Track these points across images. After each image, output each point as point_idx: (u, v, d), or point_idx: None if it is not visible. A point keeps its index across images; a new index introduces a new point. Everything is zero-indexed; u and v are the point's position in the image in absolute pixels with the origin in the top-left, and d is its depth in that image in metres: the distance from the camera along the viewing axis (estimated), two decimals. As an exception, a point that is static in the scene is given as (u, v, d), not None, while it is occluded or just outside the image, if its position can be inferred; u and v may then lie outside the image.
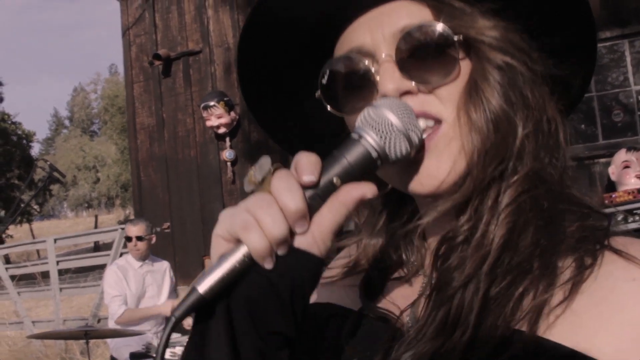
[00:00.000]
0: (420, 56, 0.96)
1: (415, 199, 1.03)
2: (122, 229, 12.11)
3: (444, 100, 0.96)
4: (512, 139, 0.94)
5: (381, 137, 0.88)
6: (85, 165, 60.96)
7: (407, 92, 0.95)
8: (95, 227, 38.90)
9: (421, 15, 0.98)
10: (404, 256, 1.07)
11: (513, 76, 0.96)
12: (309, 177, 0.83)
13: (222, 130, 9.37)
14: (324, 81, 1.01)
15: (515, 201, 0.92)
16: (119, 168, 45.10)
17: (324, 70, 1.01)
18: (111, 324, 7.09)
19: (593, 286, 0.85)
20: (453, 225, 0.93)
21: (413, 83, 0.95)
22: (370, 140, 0.87)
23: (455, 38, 0.96)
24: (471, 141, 0.94)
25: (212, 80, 9.81)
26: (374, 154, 0.87)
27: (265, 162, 0.89)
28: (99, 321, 11.26)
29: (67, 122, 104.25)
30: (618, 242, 0.89)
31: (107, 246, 29.63)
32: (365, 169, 0.87)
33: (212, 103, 9.28)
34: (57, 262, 13.45)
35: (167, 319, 0.84)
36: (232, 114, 9.38)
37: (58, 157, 70.65)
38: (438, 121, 0.94)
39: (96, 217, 45.05)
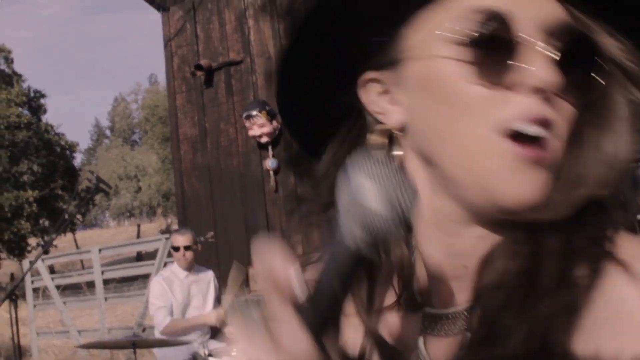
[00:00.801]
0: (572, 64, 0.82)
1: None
2: (166, 238, 12.20)
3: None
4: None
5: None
6: (126, 175, 61.54)
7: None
8: (138, 236, 39.26)
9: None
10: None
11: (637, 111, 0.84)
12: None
13: (264, 139, 9.40)
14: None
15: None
16: (160, 177, 45.42)
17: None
18: (157, 335, 7.14)
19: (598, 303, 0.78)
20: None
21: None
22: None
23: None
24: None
25: (253, 89, 9.85)
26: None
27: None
28: (144, 330, 11.34)
29: (108, 132, 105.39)
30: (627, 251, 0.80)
31: (150, 255, 29.81)
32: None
33: (254, 112, 9.32)
34: (102, 272, 13.61)
35: None
36: (274, 122, 9.41)
37: (100, 167, 71.41)
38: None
39: (138, 226, 45.47)
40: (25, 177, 35.54)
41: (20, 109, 35.81)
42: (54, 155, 36.02)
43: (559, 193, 0.82)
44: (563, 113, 0.81)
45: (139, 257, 32.07)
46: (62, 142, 37.28)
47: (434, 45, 0.83)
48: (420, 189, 0.74)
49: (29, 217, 33.84)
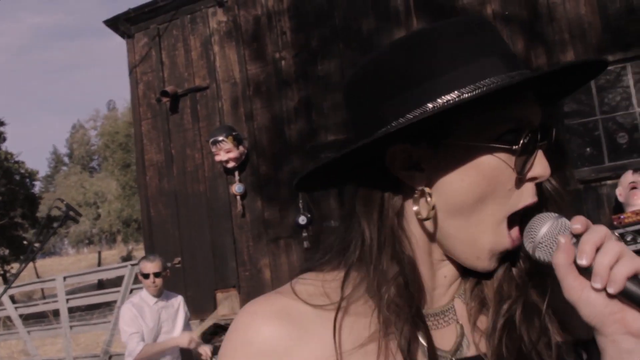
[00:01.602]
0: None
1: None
2: (132, 265, 12.16)
3: None
4: None
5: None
6: (85, 202, 60.95)
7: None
8: (99, 263, 38.87)
9: None
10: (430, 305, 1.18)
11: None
12: None
13: (231, 164, 9.44)
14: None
15: None
16: (121, 204, 45.12)
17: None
18: (128, 361, 7.10)
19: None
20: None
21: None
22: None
23: None
24: None
25: (219, 115, 9.90)
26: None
27: None
28: (110, 358, 11.26)
29: (66, 159, 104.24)
30: None
31: (111, 282, 29.54)
32: None
33: (220, 138, 9.36)
34: (67, 300, 13.49)
35: None
36: (241, 148, 9.45)
37: (58, 194, 70.61)
38: None
39: (99, 253, 44.99)
40: (-16, 206, 35.10)
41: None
42: (13, 184, 35.55)
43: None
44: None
45: (101, 284, 31.77)
46: (22, 170, 36.82)
47: (482, 139, 1.07)
48: (420, 235, 1.13)
49: (-12, 246, 33.40)
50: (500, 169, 1.07)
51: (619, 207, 7.43)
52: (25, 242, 36.51)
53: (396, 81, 1.08)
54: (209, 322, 7.64)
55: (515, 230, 1.10)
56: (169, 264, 7.97)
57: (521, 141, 1.06)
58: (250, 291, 9.52)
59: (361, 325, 1.10)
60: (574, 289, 1.01)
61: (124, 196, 43.75)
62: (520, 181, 1.08)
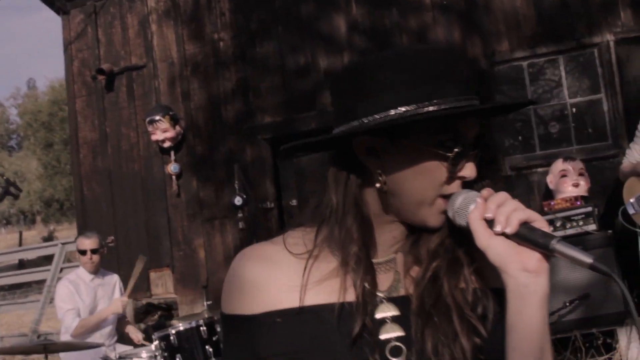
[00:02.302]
0: None
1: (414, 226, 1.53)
2: (63, 244, 12.07)
3: None
4: None
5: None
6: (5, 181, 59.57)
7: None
8: (20, 244, 38.07)
9: None
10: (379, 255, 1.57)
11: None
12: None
13: (167, 144, 9.44)
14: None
15: None
16: (42, 184, 44.25)
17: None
18: (65, 338, 7.09)
19: None
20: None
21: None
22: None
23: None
24: None
25: (155, 94, 9.86)
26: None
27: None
28: (38, 337, 11.18)
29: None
30: None
31: (32, 263, 29.07)
32: None
33: (157, 117, 9.35)
34: (-6, 279, 13.33)
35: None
36: (177, 127, 9.46)
37: (-25, 173, 68.86)
38: None
39: (20, 233, 44.05)
40: None
41: None
42: None
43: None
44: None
45: (22, 264, 31.23)
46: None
47: (426, 143, 1.42)
48: (374, 204, 1.49)
49: None
50: (436, 167, 1.42)
51: (549, 194, 7.72)
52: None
53: (371, 87, 1.43)
54: (133, 281, 7.61)
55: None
56: (105, 249, 7.97)
57: (455, 150, 1.41)
58: (184, 271, 9.56)
59: (325, 267, 1.49)
60: (483, 236, 1.36)
61: (46, 176, 42.84)
62: (451, 178, 1.43)
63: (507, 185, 8.08)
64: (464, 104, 1.40)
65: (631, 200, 6.75)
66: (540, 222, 1.34)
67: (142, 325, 7.33)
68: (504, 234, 1.34)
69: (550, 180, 7.64)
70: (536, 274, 1.34)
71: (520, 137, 8.22)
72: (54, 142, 41.58)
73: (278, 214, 9.34)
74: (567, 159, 7.60)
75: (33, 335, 11.61)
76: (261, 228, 9.13)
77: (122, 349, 7.02)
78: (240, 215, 9.18)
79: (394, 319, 1.48)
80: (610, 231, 7.02)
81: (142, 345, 6.96)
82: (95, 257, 7.36)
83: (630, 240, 6.87)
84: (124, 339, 7.52)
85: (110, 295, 7.53)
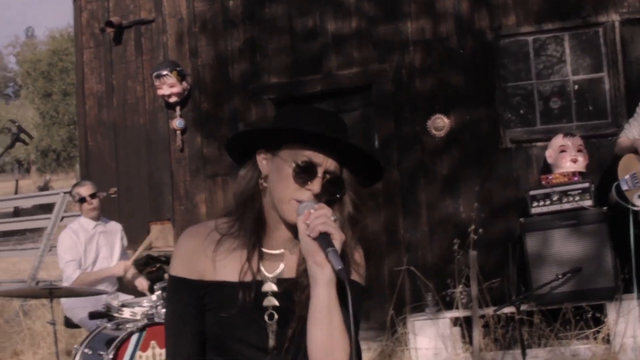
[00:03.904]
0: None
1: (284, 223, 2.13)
2: (65, 193, 12.19)
3: None
4: None
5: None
6: (7, 128, 59.41)
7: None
8: (16, 192, 38.18)
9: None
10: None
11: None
12: None
13: (173, 99, 9.53)
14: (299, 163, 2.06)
15: None
16: (39, 133, 44.15)
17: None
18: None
19: None
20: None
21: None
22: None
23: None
24: None
25: (163, 50, 9.92)
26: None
27: None
28: (37, 283, 11.33)
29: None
30: None
31: (27, 212, 29.13)
32: None
33: (164, 72, 9.42)
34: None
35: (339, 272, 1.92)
36: (184, 83, 9.54)
37: (-29, 120, 68.71)
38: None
39: (17, 181, 44.11)
40: None
41: None
42: None
43: None
44: (322, 199, 2.04)
45: (16, 213, 31.35)
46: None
47: (287, 157, 2.06)
48: (266, 201, 2.13)
49: None
50: (290, 177, 2.04)
51: (547, 168, 7.87)
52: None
53: (279, 120, 2.18)
54: (140, 250, 7.81)
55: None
56: (104, 194, 8.10)
57: (299, 166, 2.03)
58: (185, 225, 9.66)
59: (231, 245, 2.12)
60: (301, 234, 1.98)
61: (43, 125, 42.73)
62: (300, 187, 2.04)
63: (506, 157, 8.23)
64: (320, 134, 2.03)
65: (626, 177, 6.91)
66: (335, 235, 1.94)
67: (148, 281, 7.48)
68: (309, 236, 1.96)
69: (549, 154, 7.78)
70: (321, 267, 1.96)
71: (521, 111, 8.35)
72: (52, 92, 41.43)
73: (280, 173, 9.44)
74: (566, 134, 7.74)
75: (32, 282, 11.77)
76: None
77: (124, 297, 7.17)
78: (242, 173, 9.28)
79: (273, 294, 2.10)
80: (605, 207, 7.18)
81: (143, 295, 7.10)
82: (95, 201, 7.50)
83: (623, 216, 7.03)
84: (125, 288, 7.67)
85: (112, 243, 7.67)
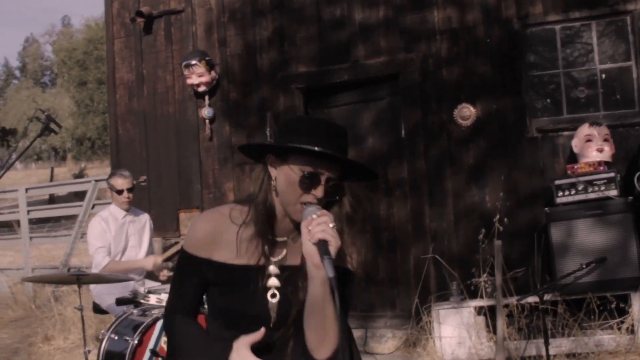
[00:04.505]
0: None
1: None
2: (96, 181, 12.34)
3: None
4: None
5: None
6: (37, 117, 59.98)
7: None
8: (51, 179, 38.62)
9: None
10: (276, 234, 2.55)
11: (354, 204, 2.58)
12: None
13: (202, 88, 9.61)
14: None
15: None
16: (74, 121, 44.61)
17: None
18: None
19: None
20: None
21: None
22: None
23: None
24: None
25: (193, 39, 10.01)
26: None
27: None
28: (68, 270, 11.47)
29: (17, 73, 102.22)
30: None
31: (61, 199, 29.42)
32: None
33: (193, 61, 9.51)
34: (28, 212, 13.62)
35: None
36: (213, 73, 9.62)
37: (9, 108, 69.50)
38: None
39: (52, 169, 44.63)
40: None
41: None
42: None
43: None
44: (322, 202, 2.41)
45: (52, 200, 31.73)
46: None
47: (294, 166, 2.40)
48: (277, 198, 2.49)
49: (-60, 156, 32.98)
50: (296, 183, 2.38)
51: (573, 158, 7.84)
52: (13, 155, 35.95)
53: (287, 132, 2.46)
54: (172, 252, 7.90)
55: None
56: (134, 182, 8.21)
57: (305, 177, 2.37)
58: (213, 213, 9.76)
59: (242, 232, 2.48)
60: (304, 237, 2.29)
61: (79, 114, 43.19)
62: (306, 193, 2.38)
63: (533, 147, 8.21)
64: (324, 152, 2.36)
65: (650, 166, 6.88)
66: (332, 243, 2.23)
67: (170, 264, 7.56)
68: (310, 241, 2.26)
69: (575, 144, 7.75)
70: (318, 268, 2.25)
71: (548, 100, 8.32)
72: (88, 80, 41.84)
73: (307, 162, 9.49)
74: (593, 124, 7.70)
75: (64, 268, 11.94)
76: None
77: (150, 284, 7.28)
78: (269, 161, 9.34)
79: (276, 276, 2.48)
80: (630, 197, 7.15)
81: (169, 282, 7.18)
82: (131, 196, 7.62)
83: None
84: (152, 275, 7.78)
85: (141, 232, 7.78)
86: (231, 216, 2.51)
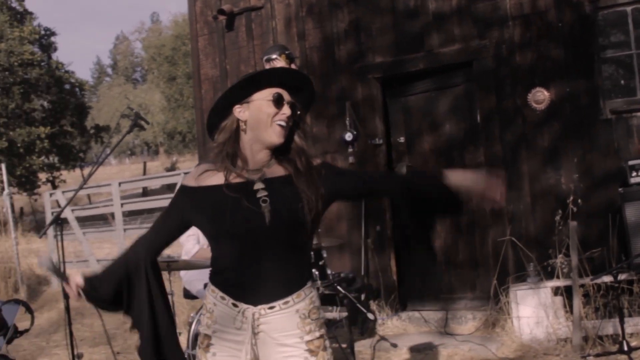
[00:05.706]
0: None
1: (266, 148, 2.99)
2: (185, 173, 12.81)
3: None
4: None
5: None
6: (126, 114, 61.20)
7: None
8: (144, 173, 39.69)
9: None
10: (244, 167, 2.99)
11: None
12: None
13: (282, 81, 9.90)
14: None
15: None
16: (165, 116, 45.62)
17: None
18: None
19: None
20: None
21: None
22: None
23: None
24: None
25: (273, 34, 10.34)
26: None
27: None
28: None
29: (109, 70, 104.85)
30: None
31: (154, 192, 30.22)
32: None
33: (274, 56, 9.75)
34: (122, 205, 14.21)
35: None
36: (293, 66, 9.86)
37: (102, 105, 71.44)
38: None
39: (145, 163, 45.80)
40: (36, 114, 35.61)
41: (32, 46, 35.71)
42: (64, 93, 35.97)
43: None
44: (289, 122, 2.98)
45: (145, 193, 32.67)
46: (72, 80, 37.15)
47: (262, 98, 2.96)
48: (247, 138, 2.99)
49: (40, 153, 34.06)
50: (267, 105, 2.92)
51: (647, 138, 7.88)
52: (74, 150, 37.20)
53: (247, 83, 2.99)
54: None
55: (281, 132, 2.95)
56: (219, 172, 8.50)
57: (275, 96, 2.91)
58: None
59: (220, 166, 2.96)
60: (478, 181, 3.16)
61: (169, 108, 44.16)
62: (276, 112, 2.92)
63: (606, 128, 8.27)
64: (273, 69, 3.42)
65: None
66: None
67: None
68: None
69: (649, 124, 7.80)
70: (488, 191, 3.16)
71: (621, 82, 8.36)
72: (176, 75, 42.72)
73: (386, 149, 9.74)
74: (668, 104, 7.73)
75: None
76: (370, 162, 9.58)
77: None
78: (350, 150, 9.61)
79: (263, 188, 2.91)
80: None
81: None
82: None
83: None
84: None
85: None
86: (215, 162, 3.01)
